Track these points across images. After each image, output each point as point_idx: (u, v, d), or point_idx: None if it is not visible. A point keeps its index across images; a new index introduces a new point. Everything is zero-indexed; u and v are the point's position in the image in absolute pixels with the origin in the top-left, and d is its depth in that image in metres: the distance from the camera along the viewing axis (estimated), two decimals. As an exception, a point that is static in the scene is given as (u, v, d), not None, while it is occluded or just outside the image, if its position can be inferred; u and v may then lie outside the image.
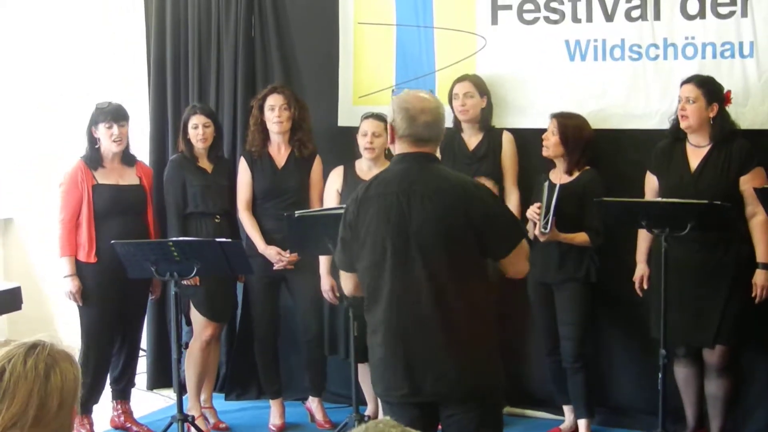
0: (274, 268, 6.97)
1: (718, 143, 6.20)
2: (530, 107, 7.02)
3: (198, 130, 6.97)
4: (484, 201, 4.43)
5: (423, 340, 4.40)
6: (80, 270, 6.84)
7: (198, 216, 6.98)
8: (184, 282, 6.53)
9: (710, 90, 6.18)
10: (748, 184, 6.10)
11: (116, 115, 6.83)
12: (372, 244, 4.46)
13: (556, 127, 6.56)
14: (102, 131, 6.82)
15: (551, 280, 6.63)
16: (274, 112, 6.97)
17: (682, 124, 6.22)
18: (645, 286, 6.50)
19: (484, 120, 6.99)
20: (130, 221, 6.88)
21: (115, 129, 6.80)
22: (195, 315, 7.04)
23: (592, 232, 6.48)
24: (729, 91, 6.25)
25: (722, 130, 6.19)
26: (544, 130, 6.65)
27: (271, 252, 6.94)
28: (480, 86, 6.94)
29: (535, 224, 6.42)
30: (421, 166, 4.46)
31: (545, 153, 6.61)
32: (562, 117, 6.59)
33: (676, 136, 6.36)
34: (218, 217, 7.01)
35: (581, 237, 6.49)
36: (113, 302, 6.88)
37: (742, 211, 6.10)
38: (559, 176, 6.59)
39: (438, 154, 6.81)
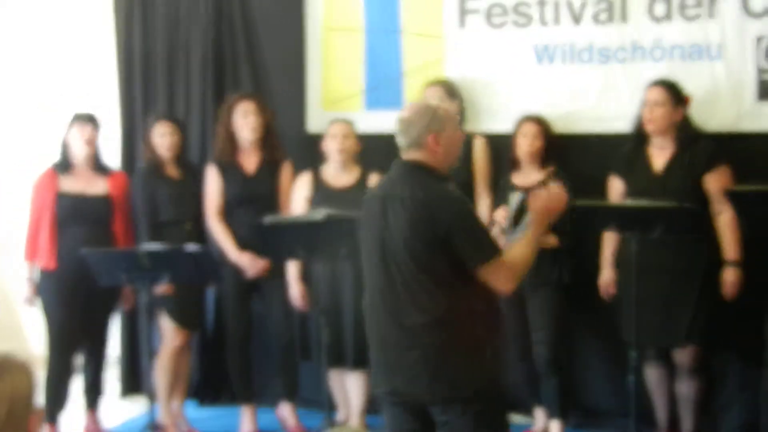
0: (248, 275, 6.96)
1: (681, 145, 6.24)
2: (499, 111, 7.02)
3: (164, 138, 6.97)
4: (451, 214, 4.44)
5: (396, 342, 4.52)
6: (40, 276, 6.86)
7: (169, 224, 6.94)
8: (159, 290, 6.51)
9: (676, 93, 6.24)
10: (713, 182, 6.13)
11: (88, 117, 6.89)
12: (363, 245, 4.67)
13: (538, 131, 6.60)
14: (74, 132, 6.83)
15: (524, 285, 6.63)
16: (247, 118, 6.94)
17: (649, 128, 6.26)
18: (611, 291, 6.51)
19: (455, 125, 6.98)
20: (93, 230, 6.83)
21: (88, 128, 6.82)
22: (165, 322, 7.01)
23: (561, 234, 6.48)
24: (687, 96, 6.30)
25: (687, 132, 6.25)
26: (512, 134, 6.69)
27: (244, 260, 6.91)
28: (450, 90, 6.94)
29: (501, 229, 6.43)
30: (404, 173, 4.57)
31: (526, 157, 6.62)
32: (540, 119, 6.66)
33: (640, 140, 6.39)
34: (189, 224, 6.98)
35: (550, 240, 6.49)
36: (75, 311, 6.83)
37: (709, 210, 6.13)
38: (526, 178, 6.61)
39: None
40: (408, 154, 4.57)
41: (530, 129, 6.62)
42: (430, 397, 4.50)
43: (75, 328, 6.89)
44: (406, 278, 4.44)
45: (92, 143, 6.88)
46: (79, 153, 6.87)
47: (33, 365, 2.96)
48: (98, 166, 6.99)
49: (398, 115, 4.63)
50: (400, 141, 4.59)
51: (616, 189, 6.47)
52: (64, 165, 6.90)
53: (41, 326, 7.01)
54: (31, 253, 6.86)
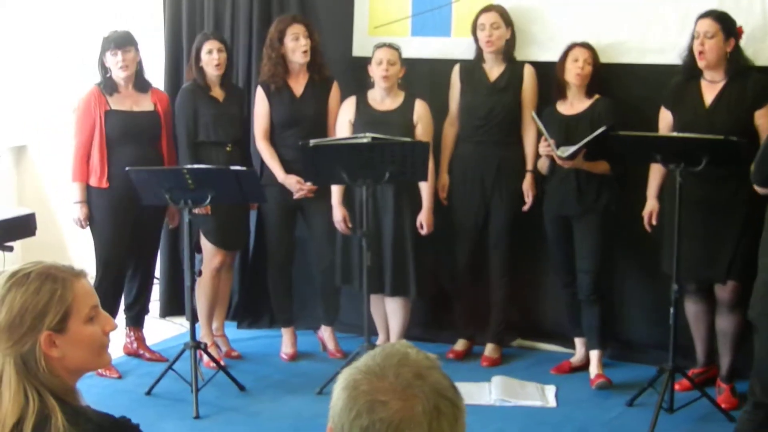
0: (294, 197, 6.97)
1: (732, 78, 6.16)
2: (548, 40, 6.95)
3: (213, 54, 6.91)
4: None
5: None
6: (91, 195, 6.83)
7: (209, 145, 6.93)
8: (195, 211, 6.52)
9: (727, 25, 6.13)
10: (763, 118, 6.06)
11: (120, 41, 6.76)
12: None
13: (589, 56, 6.57)
14: (109, 59, 6.78)
15: (571, 213, 6.62)
16: (299, 41, 6.92)
17: (700, 63, 6.15)
18: (654, 222, 6.48)
19: (507, 52, 6.94)
20: (143, 148, 6.84)
21: (120, 55, 6.73)
22: (204, 243, 7.04)
23: (612, 161, 6.46)
24: (740, 27, 6.20)
25: (737, 65, 6.16)
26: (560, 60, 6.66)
27: (291, 181, 6.93)
28: (505, 17, 6.89)
29: (549, 158, 6.44)
30: None
31: (575, 82, 6.57)
32: (590, 45, 6.62)
33: (691, 73, 6.31)
34: (230, 145, 6.97)
35: (602, 166, 6.47)
36: (126, 229, 6.88)
37: (757, 146, 6.06)
38: (571, 106, 6.62)
39: (458, 83, 6.80)
40: None
41: (581, 54, 6.56)
42: None
43: (125, 247, 6.94)
44: None
45: (129, 68, 6.80)
46: (118, 76, 6.81)
47: (82, 279, 2.71)
48: (140, 84, 6.95)
49: None
50: None
51: (665, 122, 6.40)
52: (108, 85, 6.84)
53: (87, 245, 7.05)
54: (81, 174, 6.82)
